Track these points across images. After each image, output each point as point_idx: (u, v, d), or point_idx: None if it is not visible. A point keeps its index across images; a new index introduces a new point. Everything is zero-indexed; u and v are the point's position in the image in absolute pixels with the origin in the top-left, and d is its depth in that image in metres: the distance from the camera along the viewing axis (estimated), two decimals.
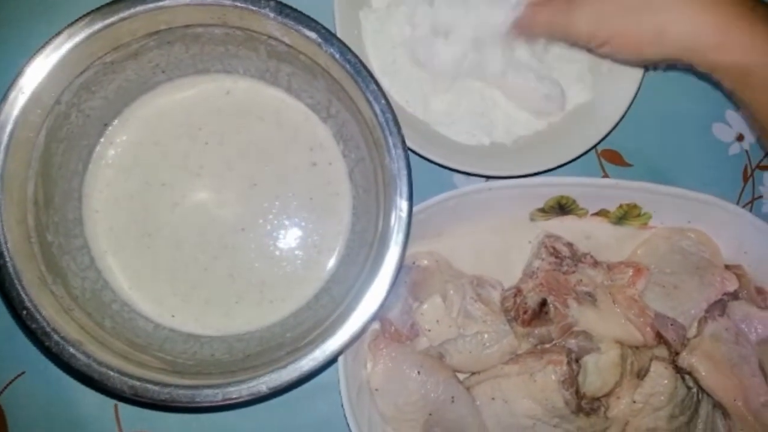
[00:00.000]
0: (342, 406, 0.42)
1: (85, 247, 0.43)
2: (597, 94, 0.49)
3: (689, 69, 0.42)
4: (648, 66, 0.50)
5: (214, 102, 0.46)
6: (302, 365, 0.36)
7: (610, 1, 0.40)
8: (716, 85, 0.43)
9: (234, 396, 0.35)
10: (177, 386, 0.35)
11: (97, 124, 0.43)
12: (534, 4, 0.43)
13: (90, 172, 0.44)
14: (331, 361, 0.37)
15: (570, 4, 0.41)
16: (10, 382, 0.45)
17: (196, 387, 0.35)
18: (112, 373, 0.35)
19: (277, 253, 0.45)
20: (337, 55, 0.38)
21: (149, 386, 0.35)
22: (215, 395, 0.35)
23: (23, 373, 0.45)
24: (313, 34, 0.38)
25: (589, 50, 0.43)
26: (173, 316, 0.43)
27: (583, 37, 0.41)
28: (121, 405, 0.45)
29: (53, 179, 0.41)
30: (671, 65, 0.55)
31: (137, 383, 0.35)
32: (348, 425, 0.42)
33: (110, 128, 0.45)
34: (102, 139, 0.44)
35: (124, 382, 0.35)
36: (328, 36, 0.38)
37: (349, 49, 0.38)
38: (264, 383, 0.36)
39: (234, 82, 0.46)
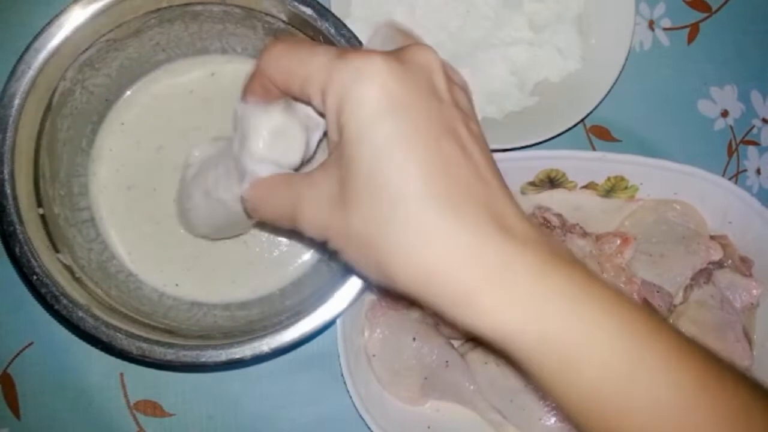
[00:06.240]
0: (341, 373, 0.44)
1: (89, 220, 0.44)
2: (586, 65, 0.51)
3: None
4: None
5: (211, 83, 0.47)
6: (302, 327, 0.38)
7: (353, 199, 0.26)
8: None
9: (237, 356, 0.37)
10: (182, 346, 0.36)
11: (100, 101, 0.45)
12: (257, 184, 0.31)
13: (94, 148, 0.46)
14: (330, 323, 0.39)
15: (299, 189, 0.29)
16: (19, 353, 0.47)
17: (201, 347, 0.37)
18: (120, 335, 0.36)
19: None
20: (332, 30, 0.40)
21: (156, 347, 0.36)
22: (219, 355, 0.37)
23: (31, 343, 0.47)
24: (308, 10, 0.40)
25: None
26: (177, 285, 0.44)
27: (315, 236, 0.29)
28: (126, 373, 0.47)
29: (58, 155, 0.42)
30: None
31: (144, 345, 0.36)
32: (347, 391, 0.44)
33: (113, 106, 0.46)
34: (105, 117, 0.46)
35: (131, 343, 0.36)
36: (323, 11, 0.40)
37: (344, 25, 0.40)
38: (266, 344, 0.37)
39: (229, 62, 0.47)
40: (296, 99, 0.30)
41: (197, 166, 0.39)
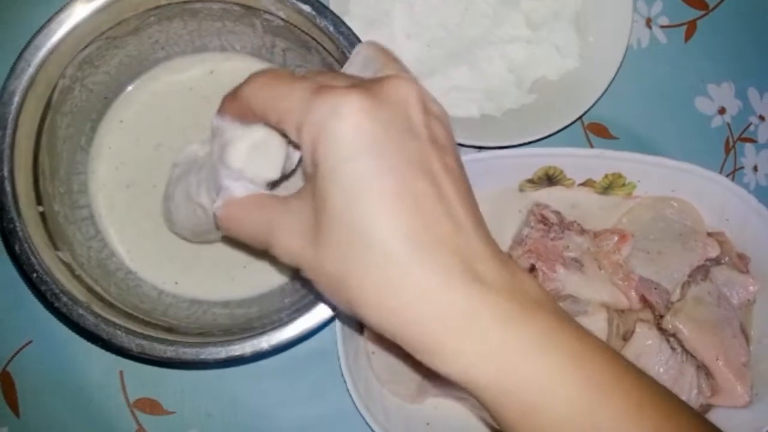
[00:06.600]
0: (340, 370, 0.44)
1: (89, 218, 0.45)
2: (583, 62, 0.51)
3: None
4: None
5: (210, 80, 0.47)
6: (301, 324, 0.38)
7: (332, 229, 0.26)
8: None
9: (237, 353, 0.37)
10: (182, 343, 0.37)
11: (99, 99, 0.45)
12: (231, 203, 0.30)
13: (93, 146, 0.46)
14: (329, 321, 0.39)
15: (281, 211, 0.28)
16: (19, 351, 0.47)
17: (201, 345, 0.37)
18: (119, 332, 0.36)
19: None
20: (331, 28, 0.40)
21: (156, 344, 0.37)
22: (219, 352, 0.37)
23: (31, 342, 0.47)
24: (307, 8, 0.40)
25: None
26: (176, 282, 0.45)
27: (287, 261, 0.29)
28: (125, 371, 0.47)
29: (58, 152, 0.42)
30: None
31: (144, 342, 0.36)
32: (347, 388, 0.44)
33: (112, 104, 0.46)
34: (104, 115, 0.46)
35: (131, 340, 0.36)
36: (322, 8, 0.40)
37: (343, 22, 0.40)
38: (265, 341, 0.37)
39: (228, 60, 0.47)
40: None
41: (183, 167, 0.39)
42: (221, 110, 0.31)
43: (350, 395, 0.44)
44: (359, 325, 0.46)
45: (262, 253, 0.45)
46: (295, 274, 0.34)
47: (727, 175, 0.57)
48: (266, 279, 0.45)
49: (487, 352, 0.25)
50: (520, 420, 0.26)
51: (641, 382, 0.28)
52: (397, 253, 0.25)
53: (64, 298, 0.36)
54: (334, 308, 0.38)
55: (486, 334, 0.25)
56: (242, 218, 0.30)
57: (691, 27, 0.58)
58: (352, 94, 0.26)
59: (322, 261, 0.26)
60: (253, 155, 0.30)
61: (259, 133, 0.30)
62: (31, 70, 0.37)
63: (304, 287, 0.40)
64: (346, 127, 0.25)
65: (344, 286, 0.26)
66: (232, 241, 0.45)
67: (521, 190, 0.51)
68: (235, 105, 0.30)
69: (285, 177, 0.33)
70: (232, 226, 0.30)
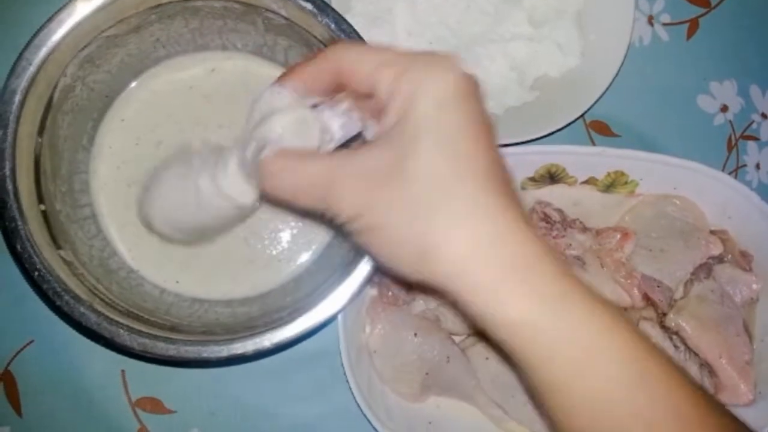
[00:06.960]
0: (342, 369, 0.44)
1: (90, 217, 0.45)
2: (585, 60, 0.51)
3: None
4: None
5: (211, 79, 0.47)
6: (303, 322, 0.38)
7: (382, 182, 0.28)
8: None
9: (239, 351, 0.37)
10: (184, 342, 0.37)
11: (100, 97, 0.45)
12: (286, 153, 0.30)
13: (95, 146, 0.46)
14: (331, 319, 0.39)
15: (334, 171, 0.29)
16: (20, 351, 0.47)
17: (203, 343, 0.37)
18: (121, 331, 0.36)
19: (279, 223, 0.46)
20: (333, 26, 0.40)
21: (158, 343, 0.36)
22: (220, 351, 0.37)
23: (32, 341, 0.47)
24: (308, 5, 0.40)
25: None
26: (178, 282, 0.44)
27: (344, 217, 0.29)
28: (127, 370, 0.47)
29: (59, 151, 0.42)
30: None
31: (146, 340, 0.36)
32: (349, 386, 0.44)
33: (113, 103, 0.46)
34: (105, 114, 0.46)
35: (133, 338, 0.36)
36: (324, 6, 0.40)
37: (344, 20, 0.40)
38: (267, 339, 0.37)
39: (229, 59, 0.47)
40: (350, 88, 0.31)
41: (185, 154, 0.38)
42: (285, 77, 0.31)
43: (352, 394, 0.44)
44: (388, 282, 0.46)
45: (263, 255, 0.45)
46: (338, 230, 0.33)
47: (730, 173, 0.57)
48: (267, 278, 0.45)
49: (546, 299, 0.27)
50: (566, 375, 0.27)
51: (670, 358, 0.29)
52: (481, 196, 0.27)
53: (66, 297, 0.36)
54: (376, 262, 0.37)
55: (545, 281, 0.27)
56: (296, 168, 0.29)
57: (693, 25, 0.58)
58: (450, 55, 0.29)
59: (400, 198, 0.27)
60: (295, 128, 0.31)
61: (306, 112, 0.31)
62: (32, 69, 0.37)
63: (349, 243, 0.39)
64: (453, 78, 0.28)
65: (421, 221, 0.27)
66: (226, 239, 0.45)
67: (523, 188, 0.51)
68: (314, 68, 0.31)
69: None
70: (284, 175, 0.30)
